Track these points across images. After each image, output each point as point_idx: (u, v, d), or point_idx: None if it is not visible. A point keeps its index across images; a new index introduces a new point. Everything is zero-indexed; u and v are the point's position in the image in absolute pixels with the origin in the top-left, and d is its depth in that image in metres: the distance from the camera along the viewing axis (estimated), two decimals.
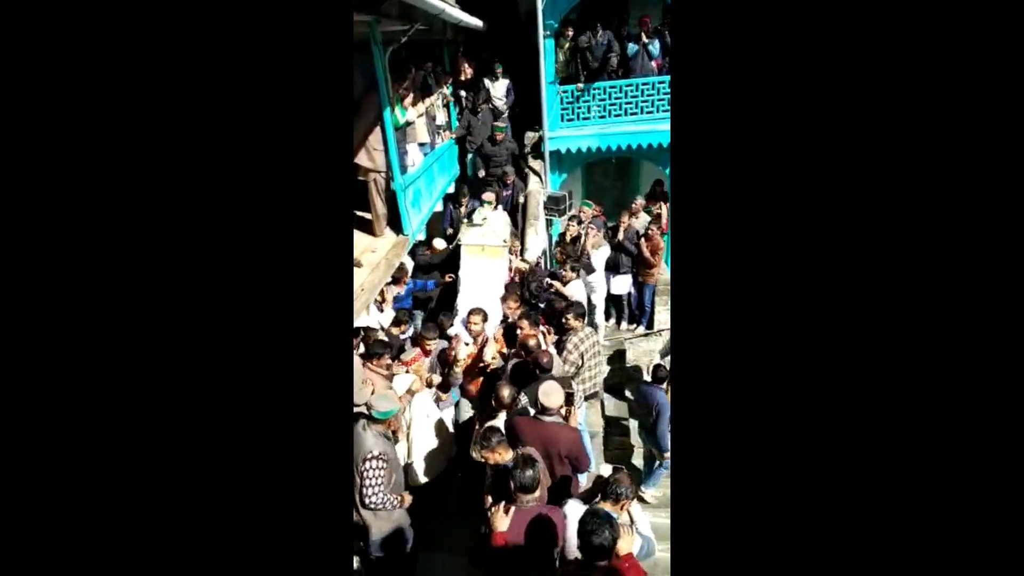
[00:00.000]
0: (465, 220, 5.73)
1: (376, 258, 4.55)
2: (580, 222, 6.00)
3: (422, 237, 5.48)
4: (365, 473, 2.80)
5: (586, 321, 4.25)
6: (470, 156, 6.96)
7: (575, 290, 4.77)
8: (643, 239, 6.02)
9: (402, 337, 4.45)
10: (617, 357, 6.37)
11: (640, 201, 6.56)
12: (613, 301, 6.69)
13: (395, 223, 4.88)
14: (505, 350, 3.94)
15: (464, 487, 3.91)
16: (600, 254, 5.92)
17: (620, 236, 6.07)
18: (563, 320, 4.00)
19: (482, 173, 6.78)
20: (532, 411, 3.05)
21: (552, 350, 3.78)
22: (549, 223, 6.90)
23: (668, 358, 4.78)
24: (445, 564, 3.43)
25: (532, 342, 3.52)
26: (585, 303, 4.64)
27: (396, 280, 4.80)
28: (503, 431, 2.88)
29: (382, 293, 4.54)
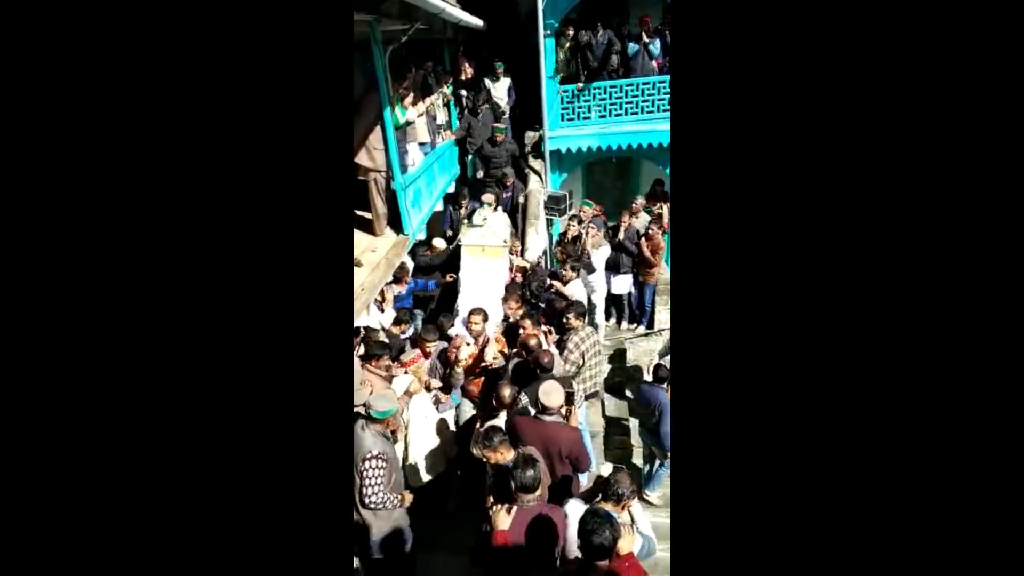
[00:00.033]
0: (465, 221, 5.73)
1: (376, 258, 4.55)
2: (580, 221, 6.00)
3: (422, 237, 5.48)
4: (365, 473, 2.80)
5: (586, 321, 4.25)
6: (470, 157, 6.95)
7: (575, 290, 4.77)
8: (643, 239, 6.02)
9: (402, 337, 4.45)
10: (617, 357, 6.37)
11: (640, 201, 6.56)
12: (614, 301, 6.69)
13: (395, 222, 4.87)
14: (506, 350, 3.94)
15: (464, 487, 3.91)
16: (600, 254, 5.92)
17: (621, 236, 6.07)
18: (564, 320, 4.00)
19: (481, 174, 6.77)
20: (532, 411, 3.05)
21: (554, 350, 3.78)
22: (549, 223, 6.90)
23: (667, 358, 4.78)
24: (445, 564, 3.43)
25: (533, 342, 3.52)
26: (585, 302, 4.65)
27: (397, 279, 4.80)
28: (505, 431, 2.88)
29: (382, 293, 4.54)
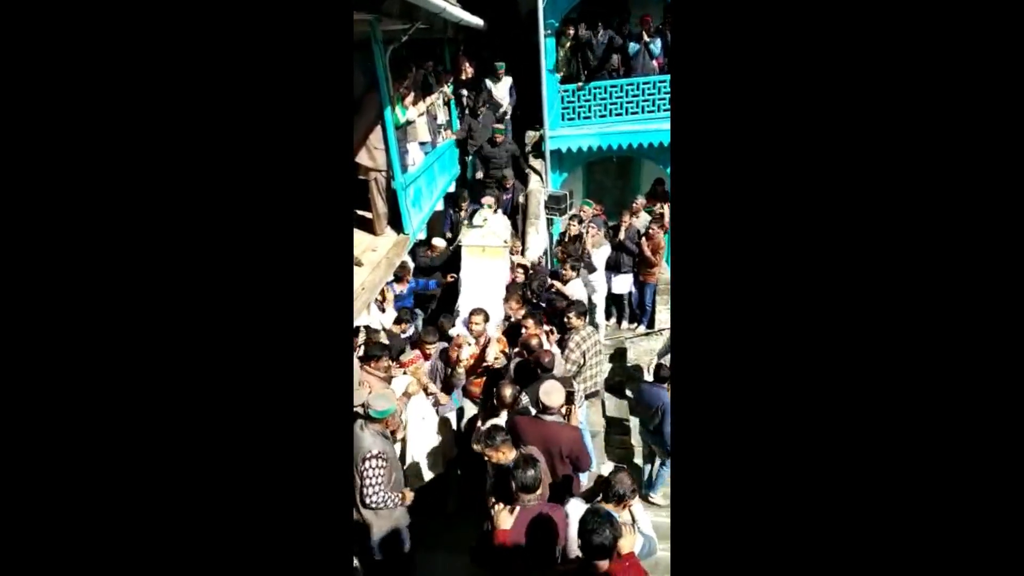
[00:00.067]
0: (465, 222, 5.73)
1: (377, 257, 4.55)
2: (581, 221, 6.00)
3: (423, 236, 5.47)
4: (365, 473, 2.80)
5: (587, 320, 4.25)
6: (470, 157, 6.95)
7: (575, 289, 4.77)
8: (644, 238, 6.02)
9: (403, 336, 4.44)
10: (618, 356, 6.36)
11: (641, 200, 6.56)
12: (614, 300, 6.69)
13: (396, 222, 4.87)
14: (507, 350, 3.94)
15: (464, 487, 3.91)
16: (600, 253, 5.92)
17: (621, 235, 6.07)
18: (565, 319, 4.00)
19: (480, 175, 6.77)
20: (533, 411, 3.05)
21: (555, 349, 3.78)
22: (550, 222, 6.89)
23: (667, 357, 4.77)
24: (445, 564, 3.43)
25: (534, 342, 3.52)
26: (585, 302, 4.64)
27: (398, 278, 4.79)
28: (507, 430, 2.88)
29: (383, 293, 4.54)
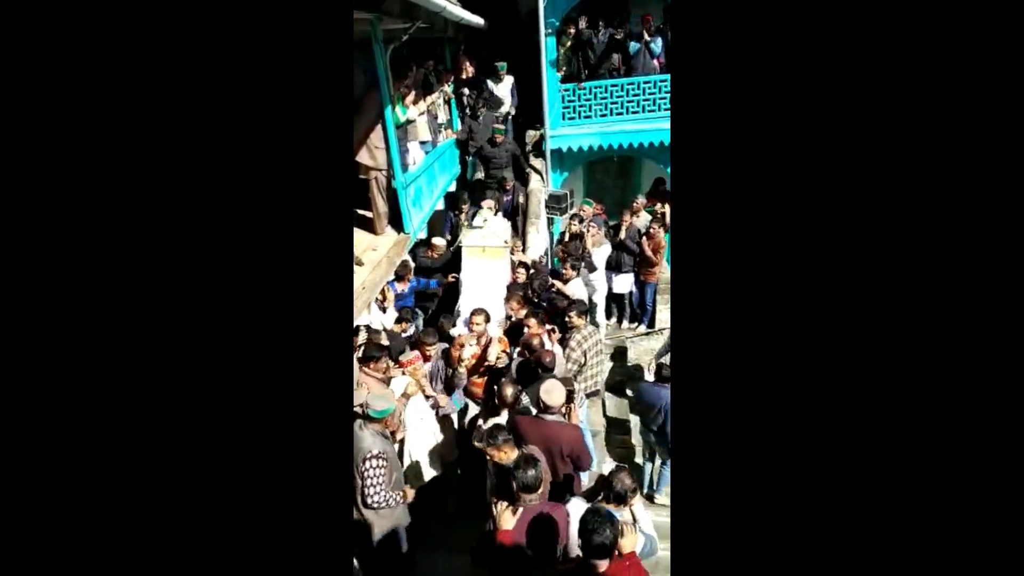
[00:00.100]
0: (465, 224, 5.73)
1: (377, 256, 4.55)
2: (581, 220, 5.99)
3: (423, 235, 5.47)
4: (366, 473, 2.80)
5: (588, 319, 4.25)
6: (470, 158, 6.95)
7: (575, 288, 4.77)
8: (645, 238, 6.02)
9: (403, 336, 4.44)
10: (619, 356, 6.36)
11: (641, 200, 6.56)
12: (615, 300, 6.69)
13: (396, 221, 4.87)
14: (508, 349, 3.95)
15: (464, 487, 3.91)
16: (601, 252, 5.92)
17: (622, 235, 6.07)
18: (566, 318, 4.00)
19: (480, 175, 6.77)
20: (534, 410, 3.04)
21: (557, 348, 3.78)
22: (551, 221, 6.89)
23: (666, 357, 4.77)
24: (446, 564, 3.43)
25: (536, 341, 3.52)
26: (586, 301, 4.64)
27: (400, 277, 4.79)
28: (508, 430, 2.87)
29: (384, 293, 4.53)
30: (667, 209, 6.51)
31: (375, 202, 4.61)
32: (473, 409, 4.05)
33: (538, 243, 6.43)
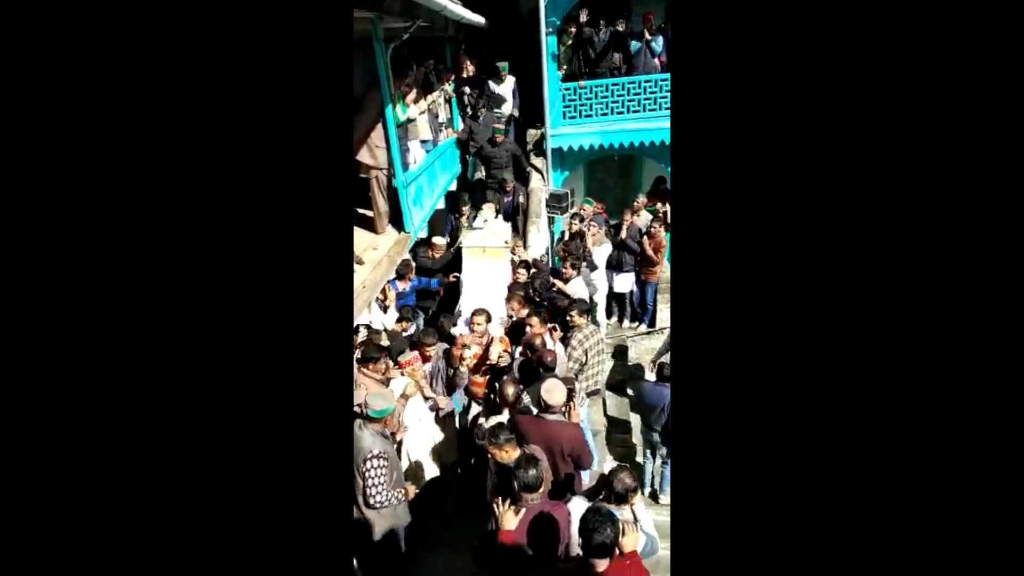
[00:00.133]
0: (466, 225, 5.74)
1: (378, 255, 4.55)
2: (582, 219, 5.99)
3: (423, 235, 5.47)
4: (367, 473, 2.79)
5: (589, 318, 4.25)
6: (471, 157, 6.95)
7: (576, 288, 4.76)
8: (646, 237, 6.02)
9: (404, 335, 4.43)
10: (619, 355, 6.36)
11: (642, 199, 6.55)
12: (616, 299, 6.69)
13: (397, 220, 4.87)
14: (509, 349, 3.94)
15: (464, 487, 3.90)
16: (601, 251, 5.91)
17: (623, 234, 6.07)
18: (568, 317, 4.00)
19: (479, 175, 6.76)
20: (535, 410, 3.04)
21: (559, 347, 3.78)
22: (551, 221, 6.89)
23: (666, 356, 4.77)
24: (446, 564, 3.43)
25: (537, 341, 3.52)
26: (587, 300, 4.64)
27: (401, 276, 4.78)
28: (510, 429, 2.87)
29: (385, 292, 4.53)
30: (668, 208, 6.51)
31: (376, 201, 4.61)
32: (474, 408, 4.05)
33: (539, 242, 6.42)
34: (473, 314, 4.03)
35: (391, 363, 3.57)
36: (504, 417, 3.12)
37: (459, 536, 3.24)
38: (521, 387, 3.25)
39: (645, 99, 6.88)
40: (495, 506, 2.44)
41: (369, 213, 4.75)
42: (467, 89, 6.91)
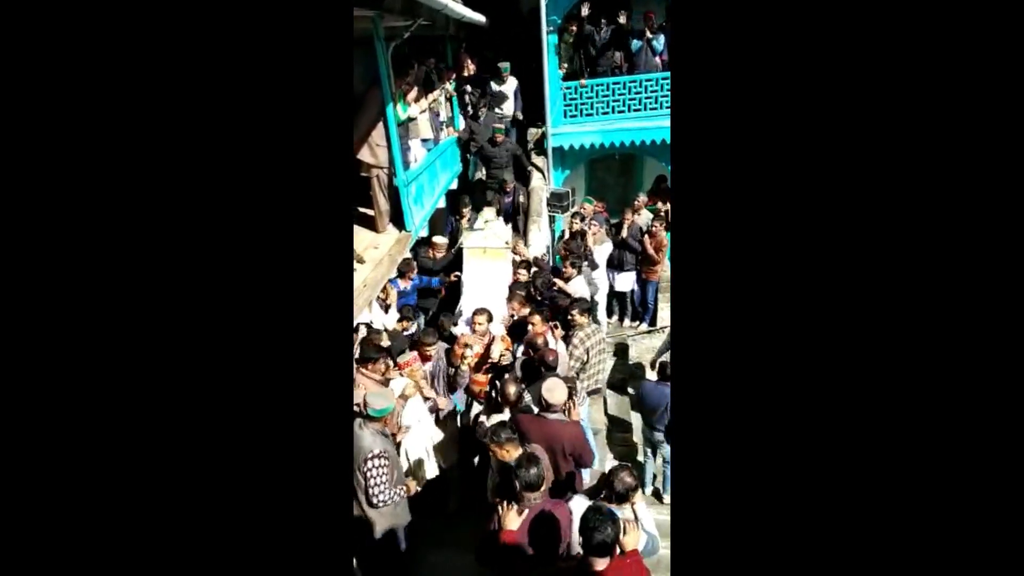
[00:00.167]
0: (466, 227, 5.73)
1: (379, 254, 4.55)
2: (583, 218, 5.98)
3: (424, 234, 5.47)
4: (368, 473, 2.79)
5: (591, 317, 4.24)
6: (471, 158, 6.95)
7: (577, 287, 4.76)
8: (646, 236, 6.01)
9: (405, 334, 4.43)
10: (620, 354, 6.36)
11: (643, 198, 6.55)
12: (617, 298, 6.69)
13: (398, 219, 4.87)
14: (511, 348, 3.95)
15: (464, 486, 3.90)
16: (602, 250, 5.90)
17: (624, 233, 6.06)
18: (569, 316, 3.99)
19: (480, 175, 6.75)
20: (536, 409, 3.04)
21: (561, 346, 3.78)
22: (552, 219, 6.88)
23: (666, 355, 4.77)
24: (447, 563, 3.43)
25: (539, 340, 3.52)
26: (588, 299, 4.63)
27: (403, 274, 4.78)
28: (512, 428, 2.87)
29: (386, 292, 4.53)
30: (669, 207, 6.50)
31: (376, 200, 4.61)
32: (475, 407, 4.05)
33: (540, 241, 6.42)
34: (475, 314, 4.03)
35: (391, 363, 3.57)
36: (505, 416, 3.13)
37: (460, 535, 3.24)
38: (522, 386, 3.25)
39: (646, 98, 6.87)
40: (496, 505, 2.44)
41: (370, 212, 4.75)
42: (468, 88, 6.90)
